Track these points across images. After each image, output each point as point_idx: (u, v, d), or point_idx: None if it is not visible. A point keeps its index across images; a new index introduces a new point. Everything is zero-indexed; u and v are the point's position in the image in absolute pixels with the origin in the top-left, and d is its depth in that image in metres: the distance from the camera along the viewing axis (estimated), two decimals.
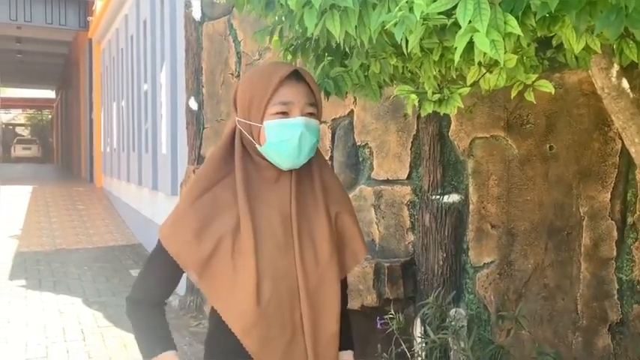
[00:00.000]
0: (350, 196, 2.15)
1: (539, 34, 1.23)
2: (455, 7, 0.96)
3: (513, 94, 1.44)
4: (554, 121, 2.29)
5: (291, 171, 1.35)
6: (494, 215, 2.49)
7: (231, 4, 1.47)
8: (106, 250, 7.89)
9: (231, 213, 1.29)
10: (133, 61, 9.28)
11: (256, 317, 1.26)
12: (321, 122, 1.38)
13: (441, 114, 1.73)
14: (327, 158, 3.23)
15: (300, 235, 1.32)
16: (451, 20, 1.03)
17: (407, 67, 1.54)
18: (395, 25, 1.01)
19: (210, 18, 4.86)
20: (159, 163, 7.12)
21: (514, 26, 0.98)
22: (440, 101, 1.41)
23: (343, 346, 1.45)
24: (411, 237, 2.85)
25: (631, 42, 1.32)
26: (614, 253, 2.16)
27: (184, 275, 1.35)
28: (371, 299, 2.72)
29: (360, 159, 3.17)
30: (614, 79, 1.56)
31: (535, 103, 1.48)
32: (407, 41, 1.06)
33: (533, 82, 1.38)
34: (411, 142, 2.85)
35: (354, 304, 2.68)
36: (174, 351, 1.35)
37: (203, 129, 5.06)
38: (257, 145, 1.33)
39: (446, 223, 2.63)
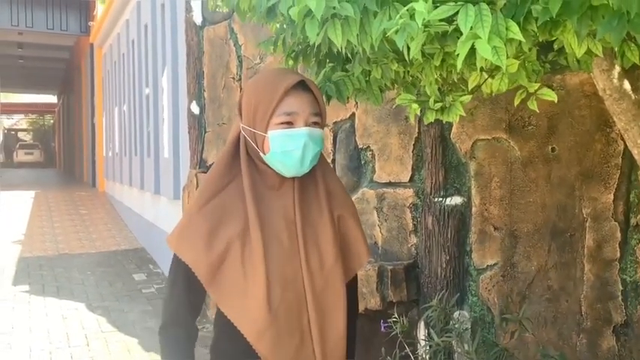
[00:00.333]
0: (352, 199, 2.15)
1: (540, 39, 1.23)
2: (456, 13, 0.96)
3: (516, 102, 1.44)
4: (556, 122, 2.29)
5: (294, 177, 1.35)
6: (496, 217, 2.49)
7: (233, 10, 1.48)
8: (109, 254, 7.89)
9: (239, 218, 1.30)
10: (134, 66, 9.29)
11: (268, 323, 1.28)
12: (324, 127, 1.39)
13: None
14: (329, 161, 3.24)
15: (304, 240, 1.33)
16: (452, 26, 1.03)
17: (408, 72, 1.55)
18: (396, 32, 1.01)
19: (211, 22, 4.87)
20: (161, 167, 7.13)
21: (516, 32, 0.98)
22: (442, 109, 1.41)
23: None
24: (413, 240, 2.85)
25: (632, 45, 1.33)
26: (618, 255, 2.16)
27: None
28: (374, 302, 2.72)
29: (362, 162, 3.17)
30: (615, 81, 1.56)
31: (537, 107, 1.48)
32: (408, 48, 1.06)
33: (536, 90, 1.38)
34: (413, 145, 2.85)
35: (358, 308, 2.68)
36: None
37: (205, 133, 5.06)
38: (261, 154, 1.33)
39: (448, 226, 2.63)
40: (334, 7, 1.09)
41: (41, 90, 31.78)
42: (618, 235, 2.15)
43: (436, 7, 0.97)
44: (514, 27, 0.98)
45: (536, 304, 2.36)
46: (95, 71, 14.97)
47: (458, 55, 0.98)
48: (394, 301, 2.72)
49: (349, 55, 1.55)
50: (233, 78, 4.54)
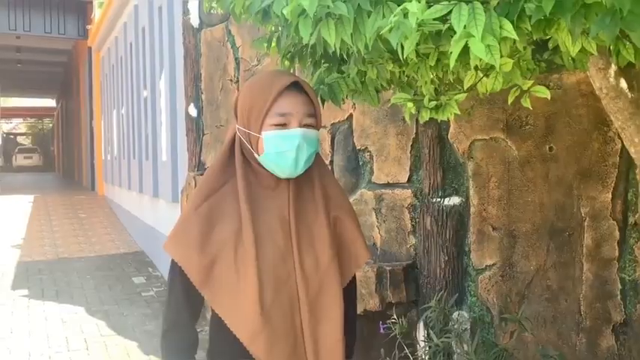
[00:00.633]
0: (351, 200, 2.15)
1: (535, 38, 1.23)
2: (450, 12, 0.96)
3: (510, 100, 1.43)
4: (554, 122, 2.29)
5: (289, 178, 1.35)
6: (495, 217, 2.48)
7: (229, 12, 1.48)
8: (108, 258, 7.88)
9: (233, 219, 1.30)
10: (132, 69, 9.30)
11: (261, 325, 1.26)
12: (320, 128, 1.39)
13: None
14: (327, 163, 3.23)
15: (299, 240, 1.32)
16: (446, 26, 1.03)
17: (404, 72, 1.54)
18: (390, 31, 1.01)
19: (208, 25, 4.87)
20: (159, 170, 7.12)
21: (509, 30, 0.98)
22: (437, 108, 1.41)
23: None
24: (412, 240, 2.85)
25: (627, 43, 1.32)
26: (617, 253, 2.15)
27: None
28: (373, 303, 2.71)
29: (360, 163, 3.17)
30: (612, 80, 1.55)
31: (533, 106, 1.48)
32: (402, 47, 1.05)
33: (529, 87, 1.38)
34: (411, 146, 2.85)
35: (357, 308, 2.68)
36: None
37: (203, 135, 5.06)
38: (256, 155, 1.33)
39: (447, 226, 2.63)
40: (328, 6, 1.08)
41: (40, 94, 31.80)
42: (617, 233, 2.15)
43: (430, 6, 0.97)
44: (507, 25, 0.97)
45: (535, 304, 2.36)
46: (93, 75, 14.98)
47: (452, 53, 0.98)
48: (393, 302, 2.71)
49: (345, 56, 1.55)
50: (230, 80, 4.54)
